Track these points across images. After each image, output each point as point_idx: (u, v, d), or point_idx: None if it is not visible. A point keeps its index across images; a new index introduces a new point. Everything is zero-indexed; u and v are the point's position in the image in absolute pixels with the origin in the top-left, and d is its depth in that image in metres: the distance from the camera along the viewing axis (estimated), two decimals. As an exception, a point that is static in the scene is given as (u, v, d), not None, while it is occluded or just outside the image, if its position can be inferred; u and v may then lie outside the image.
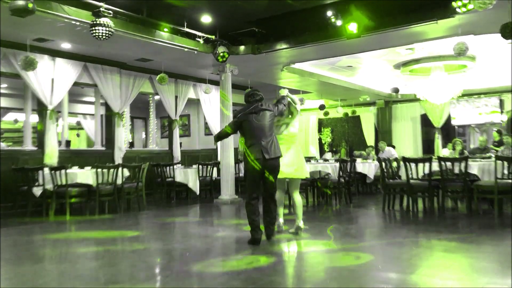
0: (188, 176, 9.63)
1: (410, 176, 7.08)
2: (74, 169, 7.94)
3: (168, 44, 7.74)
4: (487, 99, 13.62)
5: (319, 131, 16.93)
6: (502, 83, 12.57)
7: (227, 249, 4.96)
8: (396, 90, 13.11)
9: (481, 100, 13.65)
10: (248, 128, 5.05)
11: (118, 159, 10.08)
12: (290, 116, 5.56)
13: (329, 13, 7.13)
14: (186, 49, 8.03)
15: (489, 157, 7.75)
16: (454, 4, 5.97)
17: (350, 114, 15.57)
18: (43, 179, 7.43)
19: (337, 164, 8.53)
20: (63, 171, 7.34)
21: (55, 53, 9.04)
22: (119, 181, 7.91)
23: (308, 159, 11.37)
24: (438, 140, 14.28)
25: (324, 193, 9.04)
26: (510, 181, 6.41)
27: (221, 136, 5.40)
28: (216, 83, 11.12)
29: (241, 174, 10.69)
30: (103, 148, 10.47)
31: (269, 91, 13.64)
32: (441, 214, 6.96)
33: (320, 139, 16.89)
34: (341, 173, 8.42)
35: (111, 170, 7.77)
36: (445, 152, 11.52)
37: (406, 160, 7.21)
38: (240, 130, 5.16)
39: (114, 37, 6.62)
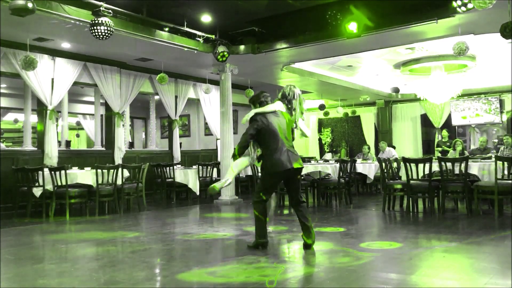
0: (188, 177, 9.62)
1: (410, 176, 7.08)
2: (74, 170, 7.94)
3: (168, 43, 7.73)
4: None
5: (319, 131, 16.93)
6: (502, 83, 12.57)
7: (227, 249, 4.95)
8: (396, 90, 13.11)
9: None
10: (269, 132, 4.53)
11: (118, 160, 10.07)
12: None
13: (329, 13, 7.14)
14: (186, 49, 8.02)
15: (490, 158, 7.75)
16: (454, 3, 5.96)
17: (350, 114, 15.57)
18: (43, 180, 7.42)
19: (337, 165, 8.52)
20: (63, 171, 7.33)
21: (55, 53, 9.04)
22: (119, 182, 7.91)
23: (309, 160, 11.39)
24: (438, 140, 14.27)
25: (324, 194, 9.04)
26: (510, 181, 6.40)
27: (244, 147, 4.58)
28: (216, 83, 11.12)
29: (241, 175, 10.68)
30: (103, 149, 10.47)
31: (269, 91, 13.66)
32: (441, 214, 6.95)
33: (320, 139, 16.89)
34: (341, 173, 8.42)
35: (111, 170, 7.77)
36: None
37: (406, 160, 7.20)
38: (259, 136, 4.57)
39: (114, 37, 6.62)
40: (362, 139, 15.80)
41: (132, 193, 8.26)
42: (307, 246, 4.62)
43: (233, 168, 4.71)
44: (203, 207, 8.90)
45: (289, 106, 4.80)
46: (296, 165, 4.51)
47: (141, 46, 7.97)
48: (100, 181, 7.65)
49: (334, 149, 15.54)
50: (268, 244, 4.63)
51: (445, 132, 12.66)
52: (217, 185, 4.66)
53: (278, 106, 4.75)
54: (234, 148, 4.66)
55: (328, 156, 14.11)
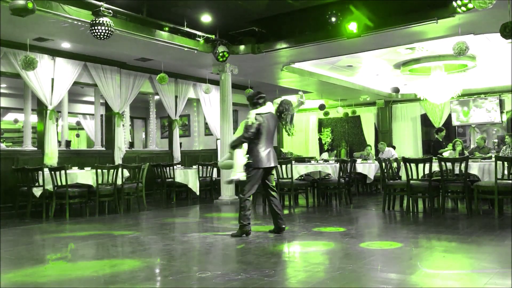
0: (188, 177, 9.62)
1: (410, 176, 7.08)
2: (74, 170, 7.94)
3: (168, 43, 7.74)
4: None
5: (319, 131, 16.93)
6: (502, 83, 12.57)
7: (227, 249, 4.95)
8: (396, 90, 13.11)
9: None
10: (263, 132, 5.23)
11: (118, 160, 10.07)
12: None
13: (329, 13, 7.15)
14: (186, 49, 8.02)
15: (490, 157, 7.74)
16: (454, 3, 5.96)
17: (350, 114, 15.57)
18: (43, 180, 7.42)
19: (337, 165, 8.52)
20: (63, 171, 7.33)
21: (55, 53, 9.03)
22: (119, 182, 7.91)
23: (309, 160, 11.39)
24: (438, 140, 14.25)
25: (324, 194, 9.04)
26: (510, 181, 6.40)
27: (237, 145, 5.28)
28: (216, 83, 11.12)
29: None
30: (103, 149, 10.47)
31: (269, 91, 13.70)
32: (441, 214, 6.95)
33: (320, 139, 16.89)
34: (341, 173, 8.41)
35: (111, 170, 7.77)
36: (445, 153, 11.48)
37: (406, 160, 7.20)
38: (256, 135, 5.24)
39: (114, 37, 6.62)
40: (362, 139, 15.81)
41: (132, 193, 8.26)
42: (281, 230, 5.37)
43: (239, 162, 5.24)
44: (203, 207, 8.90)
45: (281, 117, 5.44)
46: (275, 164, 5.39)
47: (141, 46, 7.97)
48: (100, 181, 7.65)
49: (330, 147, 15.50)
50: (249, 232, 5.28)
51: (442, 133, 12.39)
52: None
53: (271, 107, 5.45)
54: (234, 142, 5.29)
55: (324, 155, 14.09)
